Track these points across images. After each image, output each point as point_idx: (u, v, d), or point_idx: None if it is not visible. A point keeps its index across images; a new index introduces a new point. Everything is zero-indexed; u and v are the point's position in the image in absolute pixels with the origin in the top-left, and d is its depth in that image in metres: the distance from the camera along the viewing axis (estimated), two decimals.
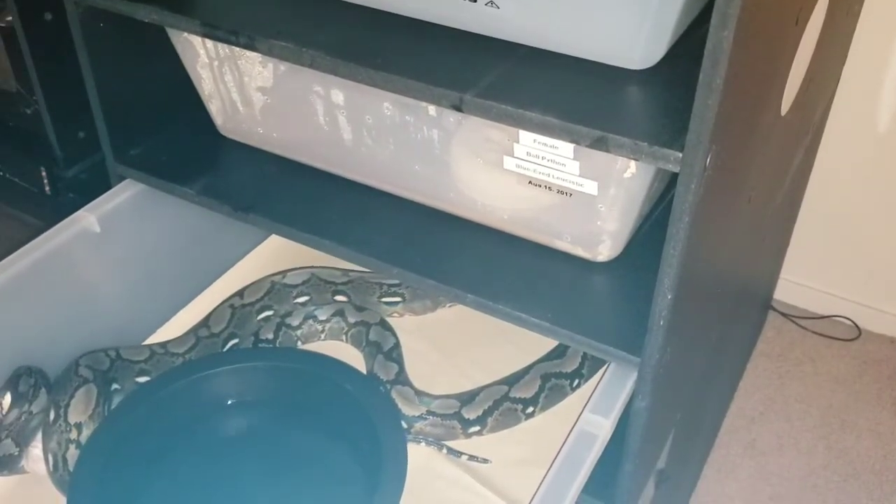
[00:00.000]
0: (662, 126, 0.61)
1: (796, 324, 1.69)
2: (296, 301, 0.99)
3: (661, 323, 0.66)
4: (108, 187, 0.93)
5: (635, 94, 0.66)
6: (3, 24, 1.07)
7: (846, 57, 1.36)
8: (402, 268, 0.78)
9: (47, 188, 1.16)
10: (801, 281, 1.70)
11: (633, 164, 0.69)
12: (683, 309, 0.68)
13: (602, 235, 0.76)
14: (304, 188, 0.88)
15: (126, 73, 0.90)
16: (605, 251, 0.78)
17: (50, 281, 0.86)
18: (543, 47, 0.70)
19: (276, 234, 0.85)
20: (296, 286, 0.99)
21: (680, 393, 0.88)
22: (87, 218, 0.89)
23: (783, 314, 1.71)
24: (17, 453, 0.80)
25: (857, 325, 1.68)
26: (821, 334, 1.67)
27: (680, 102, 0.64)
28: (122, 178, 0.93)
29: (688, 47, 0.69)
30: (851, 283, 1.66)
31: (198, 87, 0.90)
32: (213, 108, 0.92)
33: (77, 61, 0.86)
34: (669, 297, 0.64)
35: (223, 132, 0.95)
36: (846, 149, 1.50)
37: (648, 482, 0.89)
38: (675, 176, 0.59)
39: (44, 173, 1.15)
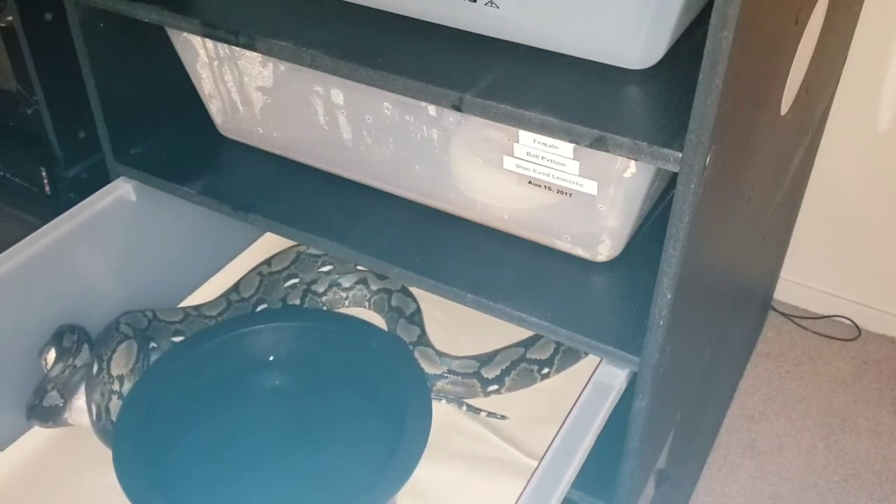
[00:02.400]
0: (662, 126, 0.61)
1: (796, 324, 1.69)
2: (320, 270, 1.01)
3: (661, 323, 0.66)
4: None
5: (635, 94, 0.66)
6: (3, 24, 1.07)
7: (846, 57, 1.37)
8: (402, 267, 0.78)
9: (47, 188, 1.16)
10: (801, 281, 1.70)
11: (632, 163, 0.69)
12: (683, 309, 0.69)
13: (602, 235, 0.76)
14: (304, 188, 0.88)
15: (126, 73, 0.90)
16: (604, 251, 0.78)
17: (88, 246, 0.89)
18: (543, 47, 0.70)
19: (276, 233, 0.85)
20: (320, 256, 1.02)
21: (680, 393, 0.88)
22: (124, 186, 0.92)
23: (783, 314, 1.71)
24: (61, 405, 0.84)
25: (857, 325, 1.68)
26: (821, 334, 1.67)
27: (679, 102, 0.64)
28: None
29: (687, 47, 0.69)
30: (851, 283, 1.66)
31: (198, 86, 0.91)
32: (213, 107, 0.92)
33: (77, 61, 0.86)
34: (669, 296, 0.64)
35: (223, 132, 0.95)
36: (846, 149, 1.50)
37: (648, 482, 0.89)
38: (675, 176, 0.59)
39: (44, 173, 1.15)
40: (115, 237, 0.92)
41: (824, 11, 0.84)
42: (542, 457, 0.68)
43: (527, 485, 0.66)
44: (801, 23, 0.75)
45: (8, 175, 1.21)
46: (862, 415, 1.52)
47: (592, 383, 0.73)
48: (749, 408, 1.53)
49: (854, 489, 1.40)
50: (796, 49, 0.77)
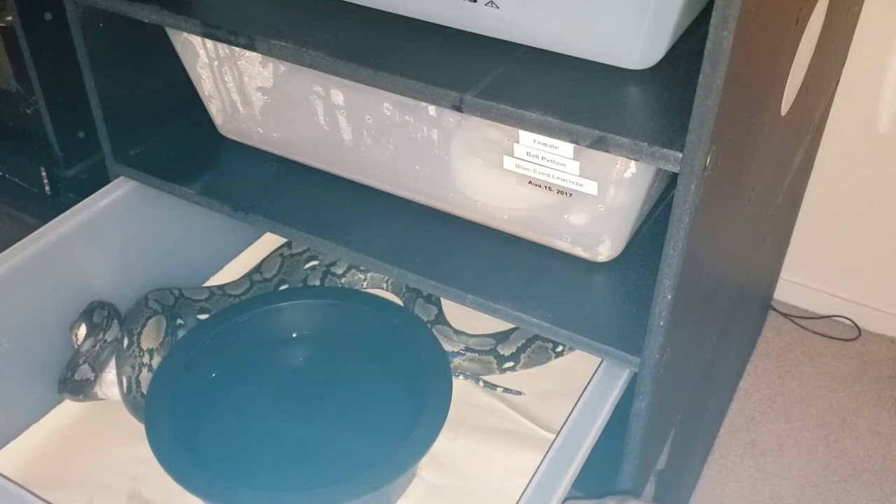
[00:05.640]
0: (662, 126, 0.61)
1: (796, 324, 1.69)
2: None
3: (661, 323, 0.66)
4: None
5: (635, 95, 0.66)
6: (3, 24, 1.07)
7: (846, 57, 1.36)
8: (401, 268, 0.78)
9: (47, 188, 1.16)
10: (801, 281, 1.70)
11: (633, 164, 0.69)
12: (683, 309, 0.68)
13: (602, 235, 0.76)
14: (304, 188, 0.88)
15: (126, 73, 0.90)
16: (604, 251, 0.78)
17: (111, 230, 0.92)
18: (543, 47, 0.70)
19: (276, 233, 0.85)
20: None
21: (680, 393, 0.88)
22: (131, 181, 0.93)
23: (783, 314, 1.71)
24: (93, 378, 0.86)
25: (857, 325, 1.68)
26: (821, 334, 1.67)
27: (680, 102, 0.64)
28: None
29: (688, 47, 0.69)
30: (851, 283, 1.66)
31: (198, 87, 0.90)
32: (213, 108, 0.92)
33: (77, 61, 0.86)
34: (669, 297, 0.64)
35: (223, 132, 0.95)
36: (846, 149, 1.50)
37: (648, 482, 0.89)
38: (675, 176, 0.59)
39: (44, 173, 1.15)
40: (135, 224, 0.94)
41: (824, 11, 0.84)
42: (561, 428, 0.69)
43: (546, 455, 0.67)
44: (801, 23, 0.75)
45: (8, 175, 1.21)
46: (862, 415, 1.52)
47: (606, 363, 0.74)
48: (749, 408, 1.53)
49: (854, 489, 1.40)
50: (796, 49, 0.77)
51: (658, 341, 0.67)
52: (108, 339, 0.87)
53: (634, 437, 0.73)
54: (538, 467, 0.67)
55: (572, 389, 0.84)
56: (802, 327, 1.69)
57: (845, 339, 1.66)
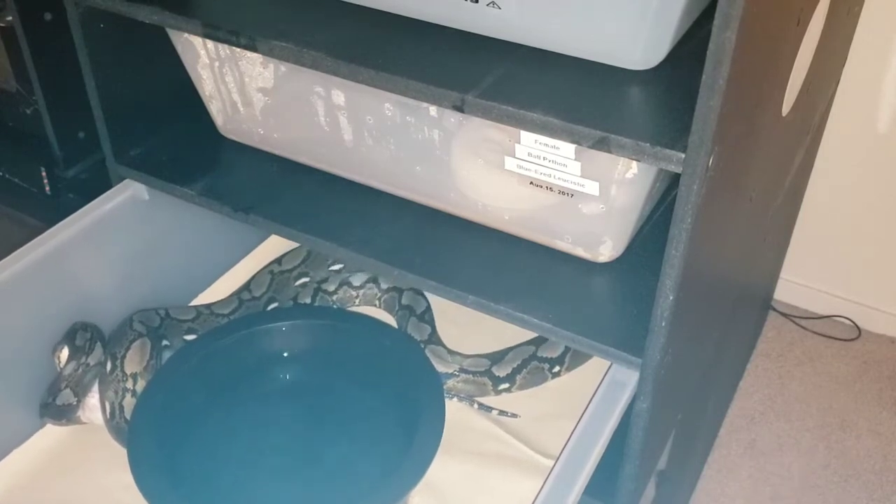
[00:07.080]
0: (664, 127, 0.61)
1: (796, 324, 1.69)
2: (331, 268, 1.01)
3: (663, 324, 0.66)
4: (109, 188, 0.93)
5: (637, 95, 0.66)
6: (3, 24, 1.07)
7: (846, 57, 1.36)
8: (402, 269, 0.78)
9: (47, 188, 1.16)
10: (801, 281, 1.70)
11: (634, 164, 0.68)
12: (685, 309, 0.68)
13: (603, 236, 0.76)
14: (305, 189, 0.88)
15: (126, 74, 0.90)
16: (606, 252, 0.78)
17: (100, 245, 0.90)
18: (545, 48, 0.70)
19: (276, 234, 0.85)
20: None
21: (681, 393, 0.88)
22: (136, 185, 0.92)
23: (783, 314, 1.71)
24: (75, 403, 0.84)
25: (857, 325, 1.68)
26: (821, 334, 1.67)
27: (682, 103, 0.64)
28: (122, 179, 0.93)
29: (690, 48, 0.69)
30: (851, 283, 1.66)
31: (198, 87, 0.90)
32: (214, 108, 0.92)
33: (77, 61, 0.86)
34: (671, 298, 0.64)
35: (223, 133, 0.95)
36: (846, 149, 1.50)
37: (649, 483, 0.89)
38: (676, 176, 0.59)
39: (44, 173, 1.15)
40: (126, 237, 0.92)
41: (825, 12, 0.84)
42: (559, 455, 0.68)
43: (545, 482, 0.66)
44: (802, 23, 0.75)
45: (8, 175, 1.21)
46: (862, 415, 1.52)
47: (607, 381, 0.73)
48: (749, 408, 1.53)
49: (854, 489, 1.40)
50: (798, 50, 0.77)
51: (660, 342, 0.67)
52: (91, 362, 0.85)
53: (635, 437, 0.73)
54: (547, 476, 0.66)
55: (569, 411, 0.83)
56: (802, 327, 1.69)
57: (845, 339, 1.66)
